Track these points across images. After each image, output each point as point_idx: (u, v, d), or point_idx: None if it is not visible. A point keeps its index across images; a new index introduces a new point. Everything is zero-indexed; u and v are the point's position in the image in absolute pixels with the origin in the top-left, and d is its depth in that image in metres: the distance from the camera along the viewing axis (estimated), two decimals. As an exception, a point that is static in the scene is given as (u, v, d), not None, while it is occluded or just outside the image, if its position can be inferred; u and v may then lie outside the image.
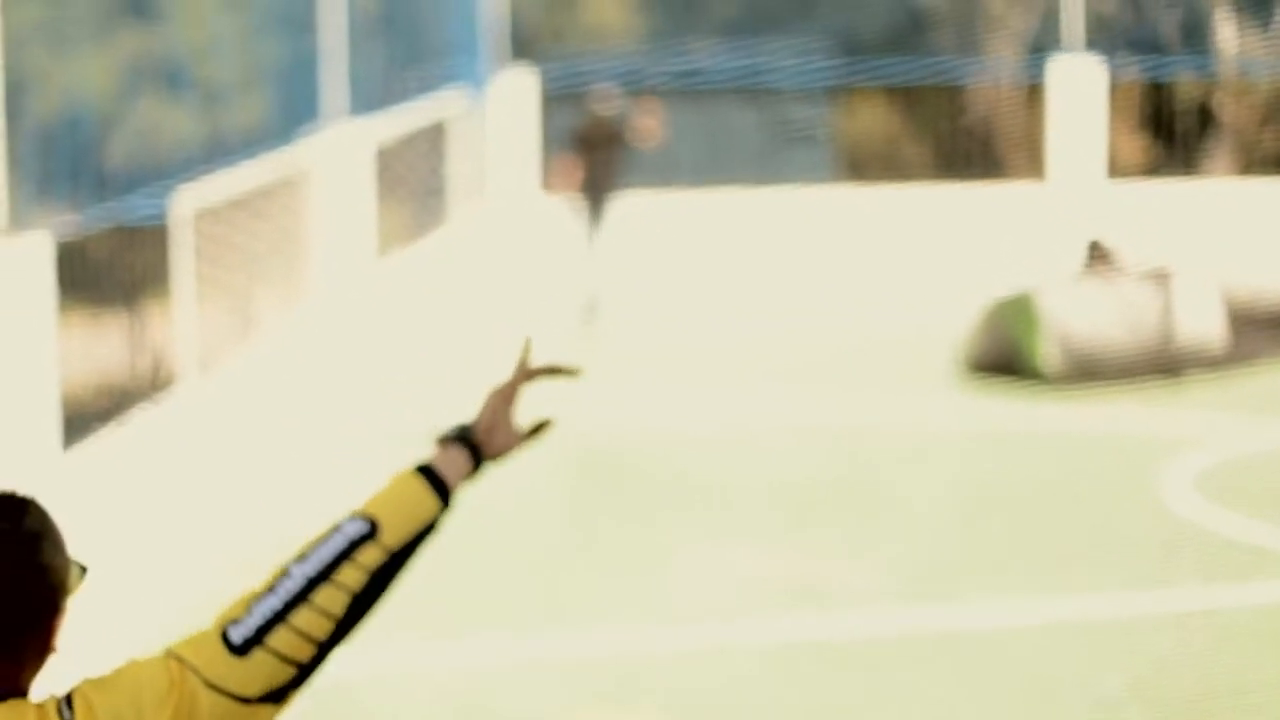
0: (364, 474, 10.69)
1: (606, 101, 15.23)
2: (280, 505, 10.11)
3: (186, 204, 9.99)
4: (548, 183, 15.64)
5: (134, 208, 9.60)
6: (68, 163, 9.21)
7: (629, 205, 15.60)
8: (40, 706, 2.49)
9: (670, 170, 16.10)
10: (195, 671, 2.49)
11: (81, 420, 8.74)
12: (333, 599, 2.51)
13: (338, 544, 2.53)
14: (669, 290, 16.14)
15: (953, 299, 14.88)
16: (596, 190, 14.91)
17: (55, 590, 2.47)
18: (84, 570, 2.51)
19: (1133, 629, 8.01)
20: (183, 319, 9.92)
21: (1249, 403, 12.17)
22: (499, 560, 9.13)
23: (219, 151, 10.51)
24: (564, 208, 15.19)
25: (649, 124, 15.05)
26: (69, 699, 2.48)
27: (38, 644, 2.48)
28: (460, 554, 9.22)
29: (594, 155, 14.86)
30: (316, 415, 11.42)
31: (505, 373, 2.69)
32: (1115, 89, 17.40)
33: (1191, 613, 8.17)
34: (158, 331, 9.90)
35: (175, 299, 9.90)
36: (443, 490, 2.64)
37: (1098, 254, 13.38)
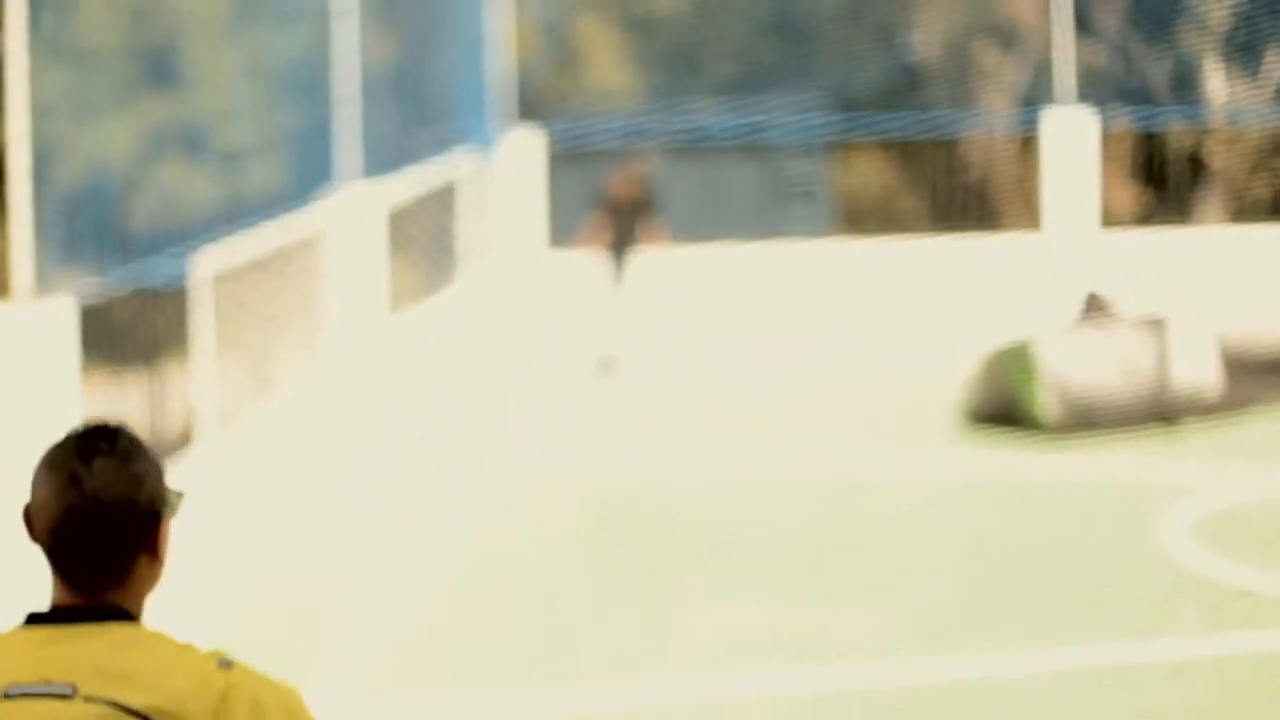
0: (380, 525, 10.87)
1: (642, 163, 15.71)
2: (300, 558, 10.28)
3: (206, 266, 10.21)
4: (577, 240, 15.96)
5: (156, 271, 9.82)
6: (92, 227, 9.42)
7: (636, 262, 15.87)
8: (187, 646, 2.65)
9: (673, 226, 16.35)
10: None
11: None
12: None
13: None
14: (673, 344, 16.31)
15: (952, 349, 15.03)
16: (621, 248, 15.37)
17: (154, 500, 2.67)
18: (180, 495, 2.73)
19: (1134, 679, 8.06)
20: (202, 378, 10.13)
21: (1245, 450, 12.30)
22: (511, 614, 9.27)
23: (237, 214, 10.74)
24: (591, 264, 15.55)
25: (661, 241, 15.63)
26: (230, 661, 2.65)
27: (144, 556, 2.67)
28: (473, 607, 9.39)
29: (621, 215, 15.33)
30: (332, 469, 11.59)
31: None
32: (1107, 139, 17.60)
33: (1192, 661, 8.24)
34: (178, 390, 10.10)
35: (195, 358, 10.10)
36: None
37: (1095, 306, 13.56)
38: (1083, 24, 17.78)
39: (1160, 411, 12.94)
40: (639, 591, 9.56)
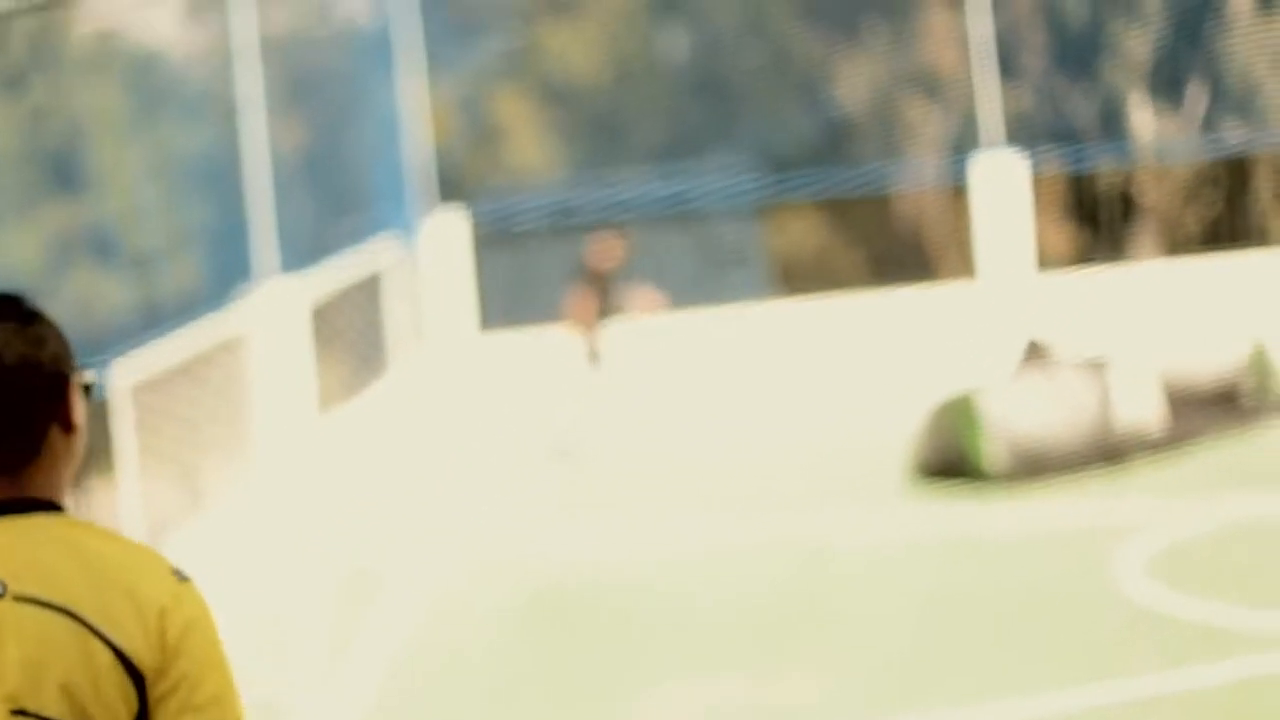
0: (323, 632, 10.65)
1: (618, 233, 15.64)
2: (242, 670, 10.04)
3: (125, 376, 9.99)
4: (566, 318, 15.69)
5: (71, 383, 9.60)
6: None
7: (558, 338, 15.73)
8: (136, 545, 2.54)
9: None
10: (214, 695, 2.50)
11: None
12: None
13: None
14: (619, 413, 16.16)
15: (899, 403, 14.97)
16: (600, 321, 15.23)
17: (58, 360, 2.57)
18: (94, 382, 2.61)
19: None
20: (127, 493, 9.90)
21: (1191, 484, 12.29)
22: (466, 699, 9.10)
23: (153, 319, 10.54)
24: (575, 343, 15.34)
25: (649, 305, 15.54)
26: (186, 577, 2.54)
27: (56, 427, 2.53)
28: (426, 696, 9.18)
29: (600, 287, 15.20)
30: (268, 582, 11.37)
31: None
32: (1038, 182, 17.60)
33: (1157, 699, 8.20)
34: (104, 507, 9.87)
35: (119, 473, 9.87)
36: None
37: (1035, 354, 13.53)
38: (1006, 68, 17.79)
39: (1106, 452, 12.94)
40: (599, 669, 9.41)
